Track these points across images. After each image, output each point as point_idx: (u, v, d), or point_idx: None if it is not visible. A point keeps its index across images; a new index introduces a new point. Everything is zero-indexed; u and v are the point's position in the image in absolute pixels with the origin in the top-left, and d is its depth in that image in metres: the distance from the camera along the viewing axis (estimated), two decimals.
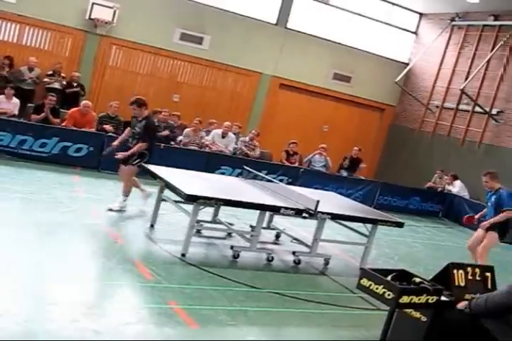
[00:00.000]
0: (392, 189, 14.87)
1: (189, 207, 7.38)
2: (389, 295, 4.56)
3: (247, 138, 14.25)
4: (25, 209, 7.88)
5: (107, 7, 14.43)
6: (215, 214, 8.69)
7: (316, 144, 15.63)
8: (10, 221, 7.32)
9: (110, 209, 8.67)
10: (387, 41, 18.67)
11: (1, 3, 13.76)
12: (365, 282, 4.79)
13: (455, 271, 5.00)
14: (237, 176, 11.52)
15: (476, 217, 9.41)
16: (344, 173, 15.41)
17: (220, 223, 8.51)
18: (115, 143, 9.20)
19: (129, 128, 9.22)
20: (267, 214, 8.30)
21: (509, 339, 4.44)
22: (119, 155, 8.77)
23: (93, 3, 14.31)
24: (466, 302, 4.70)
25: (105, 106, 13.39)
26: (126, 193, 8.85)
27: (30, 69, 13.69)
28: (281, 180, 11.98)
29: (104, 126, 12.55)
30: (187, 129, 13.49)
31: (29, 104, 12.87)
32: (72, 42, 14.87)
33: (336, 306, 6.47)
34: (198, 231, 8.17)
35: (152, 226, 8.25)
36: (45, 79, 13.88)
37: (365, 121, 19.04)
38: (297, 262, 7.87)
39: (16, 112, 12.33)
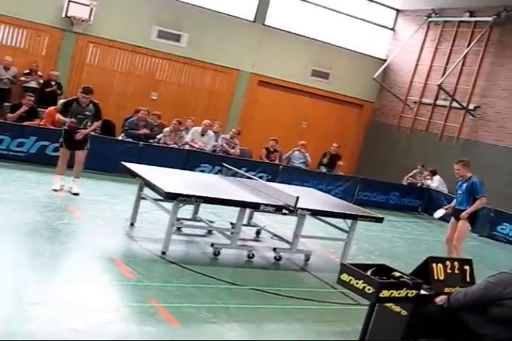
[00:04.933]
0: (372, 184, 14.95)
1: (169, 205, 7.37)
2: (369, 289, 4.59)
3: (228, 136, 14.23)
4: (3, 209, 7.80)
5: (84, 5, 14.31)
6: (195, 211, 8.69)
7: (295, 141, 15.67)
8: None
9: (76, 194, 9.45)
10: (365, 37, 18.77)
11: None
12: (345, 277, 4.82)
13: (434, 265, 5.06)
14: (216, 173, 11.52)
15: (446, 207, 9.59)
16: (323, 170, 15.47)
17: (201, 220, 8.49)
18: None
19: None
20: (247, 211, 8.31)
21: (487, 331, 4.50)
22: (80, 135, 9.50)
23: (69, 1, 14.18)
24: (444, 297, 4.76)
25: None
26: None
27: (6, 69, 13.55)
28: (260, 177, 11.99)
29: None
30: (166, 128, 13.45)
31: (6, 104, 12.74)
32: (49, 41, 14.74)
33: (316, 302, 6.50)
34: (178, 229, 8.17)
35: (132, 224, 8.21)
36: (22, 78, 13.75)
37: (343, 117, 19.12)
38: (278, 258, 7.89)
39: None
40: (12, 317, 4.64)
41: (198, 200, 7.21)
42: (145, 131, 13.03)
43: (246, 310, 5.92)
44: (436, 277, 5.03)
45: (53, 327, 4.61)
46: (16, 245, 6.51)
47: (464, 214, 8.84)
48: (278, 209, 7.42)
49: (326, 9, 17.84)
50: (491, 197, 13.66)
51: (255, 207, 7.56)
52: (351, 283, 4.75)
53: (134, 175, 7.88)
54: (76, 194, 9.41)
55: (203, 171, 12.40)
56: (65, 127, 9.57)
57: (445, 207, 9.76)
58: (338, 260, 8.27)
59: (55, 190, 9.39)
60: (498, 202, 13.84)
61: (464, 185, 8.93)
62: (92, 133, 10.16)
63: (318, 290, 7.01)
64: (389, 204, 15.02)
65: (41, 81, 13.94)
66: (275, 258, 7.89)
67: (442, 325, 4.69)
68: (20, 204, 8.25)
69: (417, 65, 18.19)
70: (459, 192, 9.07)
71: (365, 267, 4.86)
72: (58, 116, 9.76)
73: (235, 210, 7.61)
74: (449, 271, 5.12)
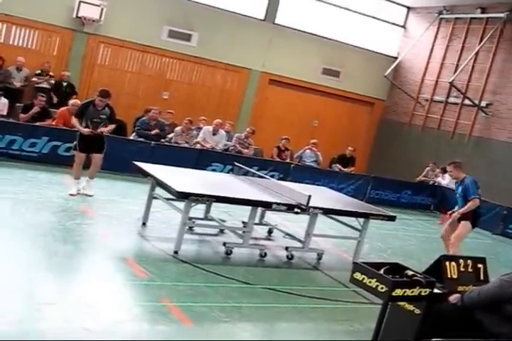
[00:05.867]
0: (384, 183, 14.89)
1: (181, 205, 7.37)
2: (382, 288, 4.57)
3: (243, 136, 14.19)
4: (17, 209, 7.84)
5: (94, 5, 14.35)
6: (207, 210, 8.68)
7: (306, 139, 15.63)
8: (1, 221, 7.28)
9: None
10: (376, 35, 18.69)
11: None
12: (358, 276, 4.79)
13: (447, 263, 5.02)
14: (228, 172, 11.52)
15: (449, 213, 9.49)
16: (336, 168, 15.38)
17: (212, 220, 8.49)
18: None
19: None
20: (259, 210, 8.28)
21: (501, 329, 4.47)
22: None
23: (80, 2, 14.22)
24: (458, 296, 4.73)
25: None
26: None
27: (19, 70, 13.62)
28: (272, 176, 11.97)
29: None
30: (177, 128, 13.46)
31: (18, 104, 12.79)
32: (60, 41, 14.80)
33: (329, 300, 6.49)
34: (190, 229, 8.18)
35: (144, 224, 8.22)
36: (34, 79, 13.82)
37: (355, 115, 19.06)
38: (290, 257, 7.87)
39: (5, 112, 12.27)
40: (25, 317, 4.65)
41: (209, 199, 7.21)
42: (156, 131, 13.03)
43: (258, 309, 5.91)
44: (449, 275, 5.00)
45: (66, 326, 4.62)
46: (29, 245, 6.53)
47: (455, 214, 8.76)
48: (290, 208, 7.41)
49: (336, 7, 17.78)
50: (504, 195, 13.70)
51: (267, 206, 7.55)
52: (364, 281, 4.72)
53: (145, 174, 7.90)
54: (89, 195, 9.38)
55: (214, 170, 12.39)
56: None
57: (449, 213, 9.62)
58: (350, 259, 8.25)
59: (72, 195, 9.21)
60: (511, 199, 13.77)
61: (460, 188, 8.80)
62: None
63: (331, 289, 6.99)
64: (401, 203, 14.95)
65: (52, 81, 14.00)
66: (287, 257, 7.88)
67: (456, 324, 4.66)
68: (33, 204, 8.29)
69: (428, 62, 18.09)
70: (457, 195, 8.96)
71: (377, 266, 4.83)
72: (74, 120, 9.53)
73: (247, 209, 7.60)
74: (462, 269, 5.09)
